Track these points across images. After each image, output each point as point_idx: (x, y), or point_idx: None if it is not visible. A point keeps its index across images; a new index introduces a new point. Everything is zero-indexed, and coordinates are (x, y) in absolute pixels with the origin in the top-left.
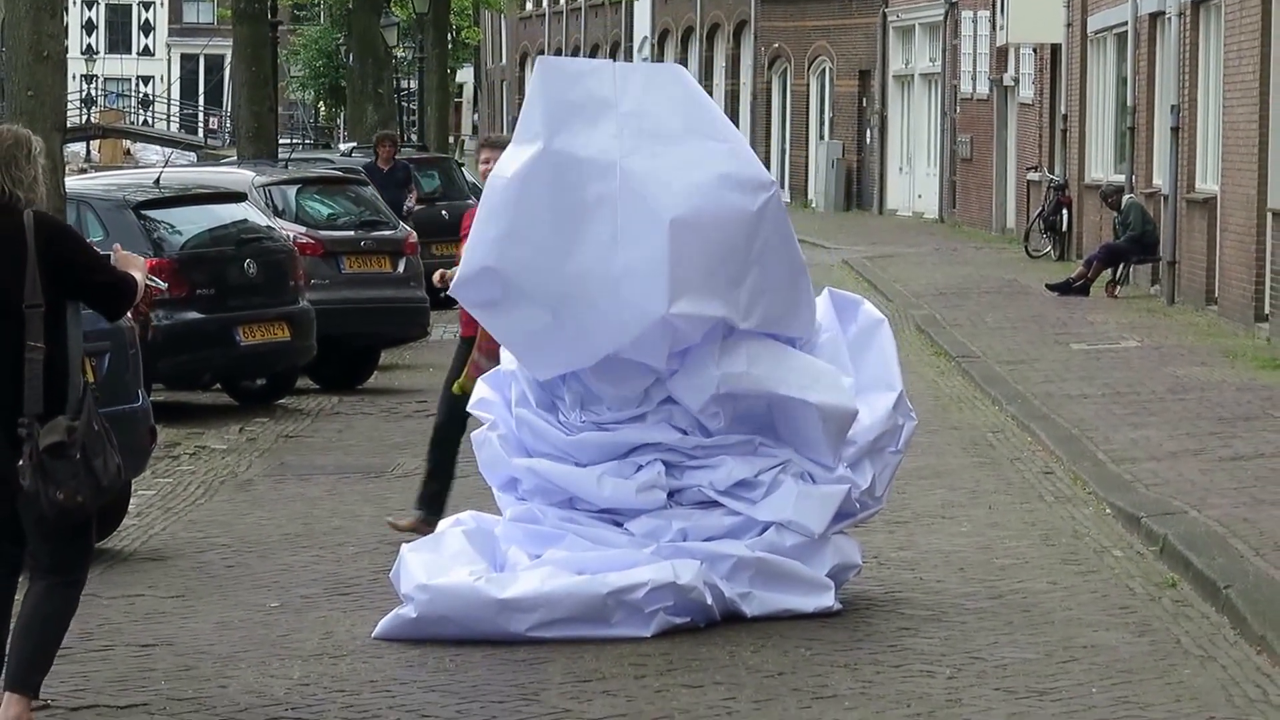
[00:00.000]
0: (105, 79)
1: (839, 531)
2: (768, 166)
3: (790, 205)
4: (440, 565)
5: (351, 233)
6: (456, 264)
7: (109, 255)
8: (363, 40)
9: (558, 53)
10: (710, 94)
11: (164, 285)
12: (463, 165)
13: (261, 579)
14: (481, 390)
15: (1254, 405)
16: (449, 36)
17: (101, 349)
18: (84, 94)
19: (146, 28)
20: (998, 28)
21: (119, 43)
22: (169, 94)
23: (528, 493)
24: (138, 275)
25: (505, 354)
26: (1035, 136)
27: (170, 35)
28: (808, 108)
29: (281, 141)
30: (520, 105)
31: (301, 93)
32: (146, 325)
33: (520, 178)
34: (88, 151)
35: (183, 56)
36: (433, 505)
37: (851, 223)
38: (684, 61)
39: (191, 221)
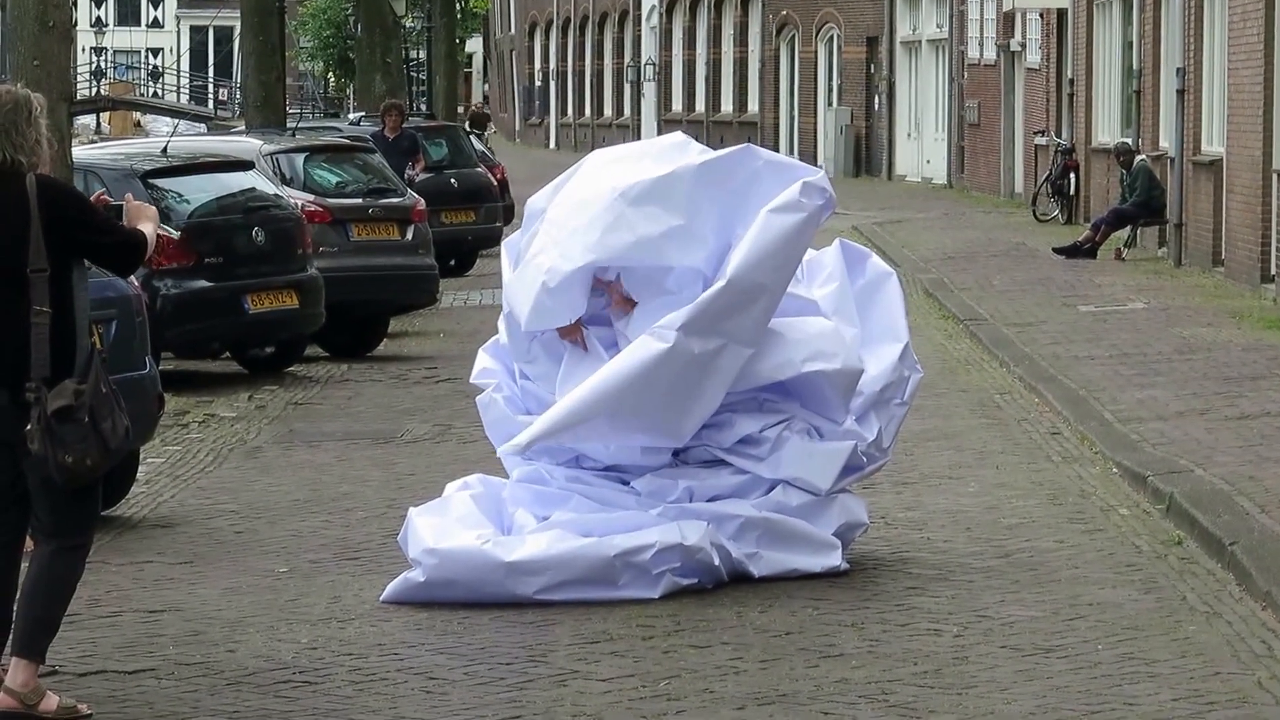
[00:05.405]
0: (115, 51)
1: (844, 489)
2: (776, 134)
3: None
4: (447, 529)
5: (360, 200)
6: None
7: (118, 210)
8: (370, 10)
9: (565, 21)
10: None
11: (176, 234)
12: (470, 134)
13: (270, 545)
14: (483, 361)
15: (1260, 365)
16: (457, 6)
17: (108, 316)
18: (94, 66)
19: (156, 0)
20: None
21: (128, 15)
22: (178, 66)
23: (534, 452)
24: (148, 228)
25: (500, 325)
26: (1042, 101)
27: (179, 7)
28: (816, 74)
29: (291, 111)
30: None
31: (311, 63)
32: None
33: None
34: (98, 123)
35: (192, 28)
36: None
37: (860, 188)
38: (691, 30)
39: (199, 190)
